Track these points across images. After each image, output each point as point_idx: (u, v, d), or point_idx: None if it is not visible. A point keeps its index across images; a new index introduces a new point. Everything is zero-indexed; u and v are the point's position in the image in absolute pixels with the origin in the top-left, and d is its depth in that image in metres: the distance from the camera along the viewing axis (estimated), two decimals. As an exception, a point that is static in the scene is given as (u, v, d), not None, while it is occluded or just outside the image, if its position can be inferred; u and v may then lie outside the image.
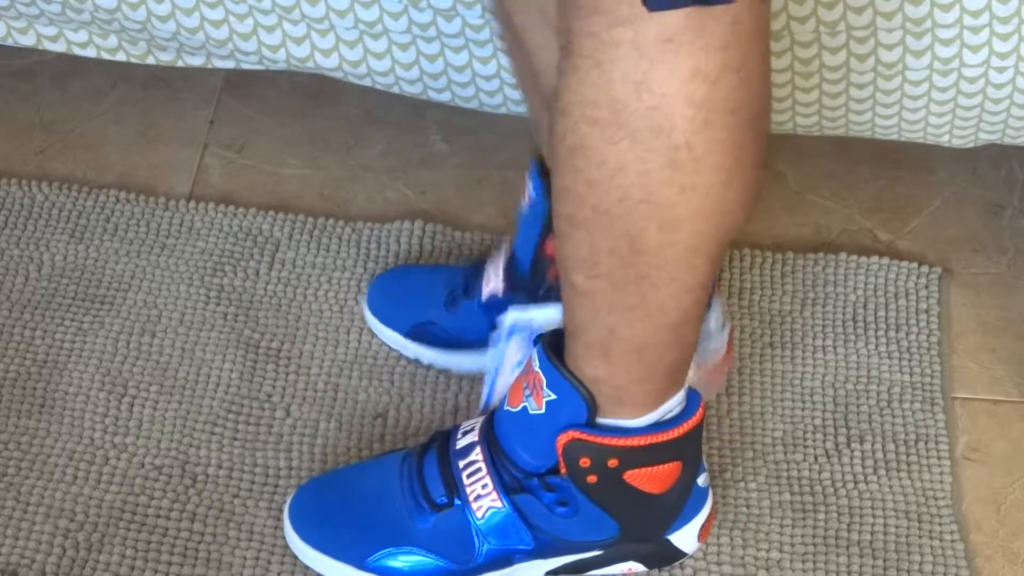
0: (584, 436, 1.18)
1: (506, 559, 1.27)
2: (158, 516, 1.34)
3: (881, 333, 1.49)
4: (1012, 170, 1.65)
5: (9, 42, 1.54)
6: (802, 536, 1.34)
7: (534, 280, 1.35)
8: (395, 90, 1.54)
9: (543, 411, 1.19)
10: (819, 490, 1.37)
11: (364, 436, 1.41)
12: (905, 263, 1.54)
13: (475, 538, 1.26)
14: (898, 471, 1.38)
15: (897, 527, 1.35)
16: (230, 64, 1.52)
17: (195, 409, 1.42)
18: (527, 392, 1.20)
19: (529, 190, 1.33)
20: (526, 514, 1.25)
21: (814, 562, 1.32)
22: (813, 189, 1.64)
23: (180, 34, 1.46)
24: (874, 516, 1.35)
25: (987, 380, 1.47)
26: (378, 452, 1.39)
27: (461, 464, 1.26)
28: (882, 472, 1.38)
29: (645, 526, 1.27)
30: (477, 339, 1.39)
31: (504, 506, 1.24)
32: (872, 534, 1.34)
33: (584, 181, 1.05)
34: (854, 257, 1.55)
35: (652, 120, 1.01)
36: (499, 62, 1.44)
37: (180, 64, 1.54)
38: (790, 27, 1.35)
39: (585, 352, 1.16)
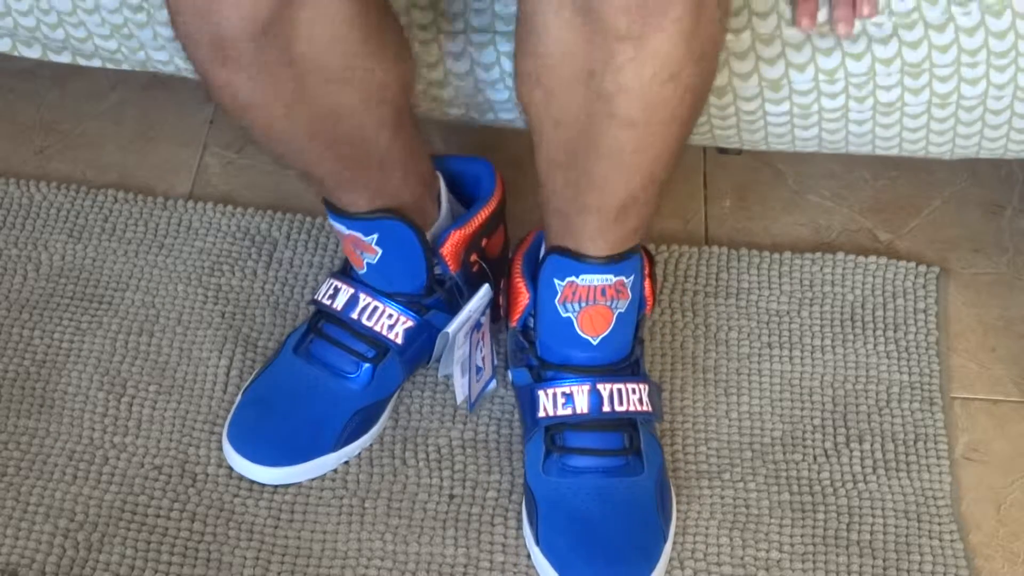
0: None
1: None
2: (158, 516, 1.34)
3: (879, 333, 1.49)
4: (1012, 170, 1.65)
5: (15, 55, 1.54)
6: (802, 536, 1.34)
7: (431, 287, 1.37)
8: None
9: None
10: (818, 490, 1.37)
11: (363, 436, 1.41)
12: (903, 263, 1.54)
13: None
14: (897, 471, 1.38)
15: (896, 527, 1.35)
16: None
17: (194, 408, 1.42)
18: (614, 303, 1.30)
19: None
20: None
21: (814, 562, 1.32)
22: (813, 189, 1.64)
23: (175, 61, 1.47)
24: (873, 516, 1.35)
25: (987, 380, 1.47)
26: (377, 452, 1.39)
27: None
28: (881, 472, 1.38)
29: None
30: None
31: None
32: (872, 534, 1.34)
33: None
34: (851, 256, 1.55)
35: None
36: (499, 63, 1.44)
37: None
38: (789, 76, 1.35)
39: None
